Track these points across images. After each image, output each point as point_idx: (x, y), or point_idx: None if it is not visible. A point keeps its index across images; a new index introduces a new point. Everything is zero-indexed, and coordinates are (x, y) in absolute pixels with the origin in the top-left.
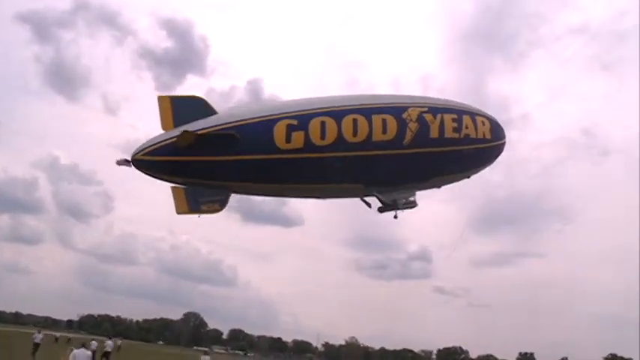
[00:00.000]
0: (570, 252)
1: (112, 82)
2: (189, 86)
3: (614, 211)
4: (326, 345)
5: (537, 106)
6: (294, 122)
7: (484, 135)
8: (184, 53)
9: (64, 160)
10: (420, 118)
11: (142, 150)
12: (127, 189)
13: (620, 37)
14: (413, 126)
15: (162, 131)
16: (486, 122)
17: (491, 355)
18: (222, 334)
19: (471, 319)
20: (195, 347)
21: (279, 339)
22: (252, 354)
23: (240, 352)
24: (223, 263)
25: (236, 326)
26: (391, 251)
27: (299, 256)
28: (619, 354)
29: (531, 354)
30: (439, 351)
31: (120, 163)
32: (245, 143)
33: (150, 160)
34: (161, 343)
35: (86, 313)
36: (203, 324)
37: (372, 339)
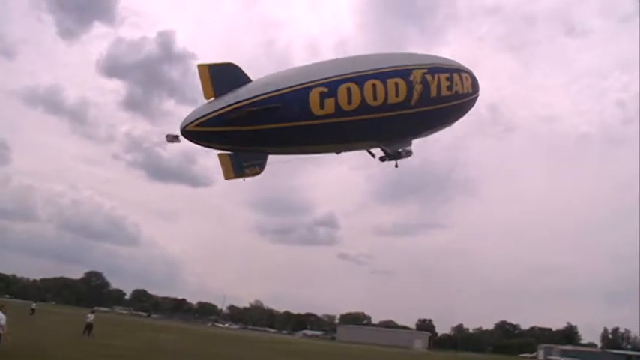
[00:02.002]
0: (472, 224)
1: (8, 23)
2: (96, 35)
3: (515, 187)
4: (231, 307)
5: None
6: (325, 89)
7: (467, 89)
8: None
9: None
10: (423, 80)
11: (193, 122)
12: (26, 139)
13: (528, 21)
14: (418, 87)
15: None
16: (469, 78)
17: (391, 321)
18: (125, 294)
19: (373, 285)
20: (96, 308)
21: (184, 300)
22: (156, 315)
23: (144, 313)
24: (127, 221)
25: (140, 286)
26: (298, 216)
27: (206, 216)
28: (509, 320)
29: (429, 320)
30: (342, 316)
31: (170, 140)
32: (285, 112)
33: (201, 131)
34: (53, 303)
35: None
36: (105, 284)
37: (277, 302)
